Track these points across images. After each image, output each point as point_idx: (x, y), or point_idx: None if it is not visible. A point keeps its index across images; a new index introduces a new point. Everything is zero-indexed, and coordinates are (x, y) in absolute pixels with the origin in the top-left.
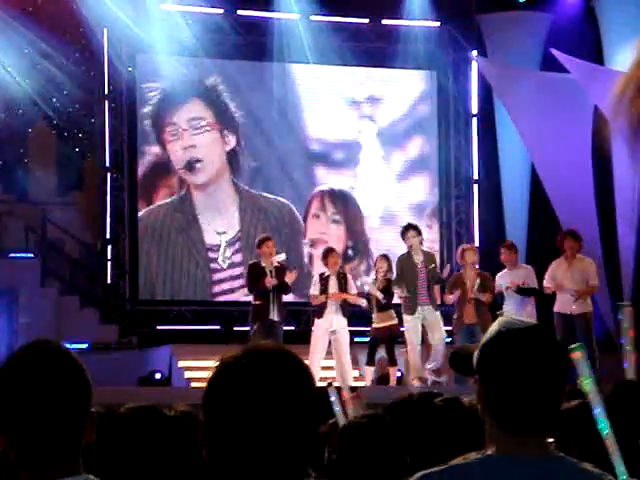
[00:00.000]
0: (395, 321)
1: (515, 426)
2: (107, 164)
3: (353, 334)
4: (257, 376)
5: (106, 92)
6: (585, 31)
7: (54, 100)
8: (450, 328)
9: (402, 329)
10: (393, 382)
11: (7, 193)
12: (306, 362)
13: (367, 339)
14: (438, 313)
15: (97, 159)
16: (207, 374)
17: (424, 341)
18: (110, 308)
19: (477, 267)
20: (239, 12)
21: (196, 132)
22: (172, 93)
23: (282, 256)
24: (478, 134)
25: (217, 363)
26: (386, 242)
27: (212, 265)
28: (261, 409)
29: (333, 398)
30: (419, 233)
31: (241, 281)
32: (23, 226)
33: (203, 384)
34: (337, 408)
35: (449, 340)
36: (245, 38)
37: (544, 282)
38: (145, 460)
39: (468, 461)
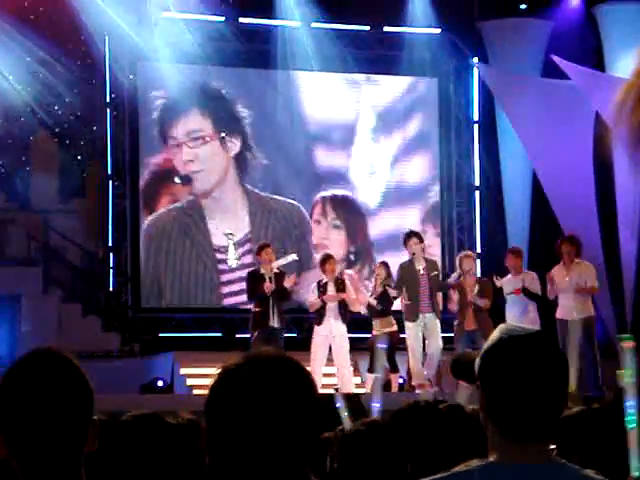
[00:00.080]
0: (395, 328)
1: (517, 433)
2: (109, 172)
3: (353, 341)
4: (259, 383)
5: (107, 100)
6: (586, 38)
7: (56, 108)
8: (450, 335)
9: (402, 336)
10: (395, 388)
11: (9, 201)
12: (308, 369)
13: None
14: (438, 322)
15: (99, 167)
16: (209, 381)
17: (424, 348)
18: (112, 316)
19: (476, 273)
20: (240, 20)
21: (194, 145)
22: (175, 101)
23: (293, 256)
24: (479, 141)
25: (219, 370)
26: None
27: (220, 267)
28: (263, 416)
29: (339, 404)
30: (421, 240)
31: None
32: (25, 234)
33: (205, 391)
34: (344, 414)
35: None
36: (246, 46)
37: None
38: (147, 468)
39: (470, 468)
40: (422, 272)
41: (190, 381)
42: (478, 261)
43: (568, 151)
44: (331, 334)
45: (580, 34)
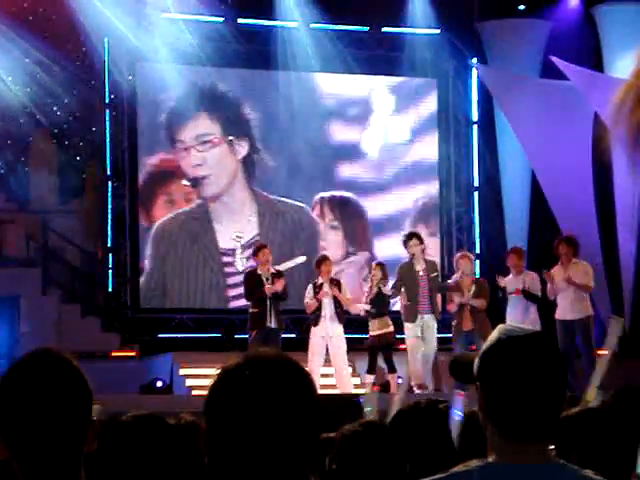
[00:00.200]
0: (391, 328)
1: (516, 433)
2: (108, 172)
3: (351, 341)
4: (259, 383)
5: (107, 101)
6: (585, 38)
7: (55, 108)
8: (449, 335)
9: (400, 336)
10: (394, 389)
11: (8, 202)
12: (307, 369)
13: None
14: (435, 323)
15: (98, 167)
16: (208, 382)
17: None
18: (111, 316)
19: (475, 273)
20: (239, 20)
21: (203, 149)
22: (182, 104)
23: (302, 259)
24: (478, 141)
25: (218, 371)
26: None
27: (227, 269)
28: (263, 416)
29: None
30: (421, 242)
31: None
32: (24, 234)
33: (204, 392)
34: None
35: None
36: (245, 46)
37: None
38: (146, 468)
39: (469, 468)
40: (422, 273)
41: (189, 382)
42: (477, 261)
43: (567, 151)
44: (327, 335)
45: (579, 35)
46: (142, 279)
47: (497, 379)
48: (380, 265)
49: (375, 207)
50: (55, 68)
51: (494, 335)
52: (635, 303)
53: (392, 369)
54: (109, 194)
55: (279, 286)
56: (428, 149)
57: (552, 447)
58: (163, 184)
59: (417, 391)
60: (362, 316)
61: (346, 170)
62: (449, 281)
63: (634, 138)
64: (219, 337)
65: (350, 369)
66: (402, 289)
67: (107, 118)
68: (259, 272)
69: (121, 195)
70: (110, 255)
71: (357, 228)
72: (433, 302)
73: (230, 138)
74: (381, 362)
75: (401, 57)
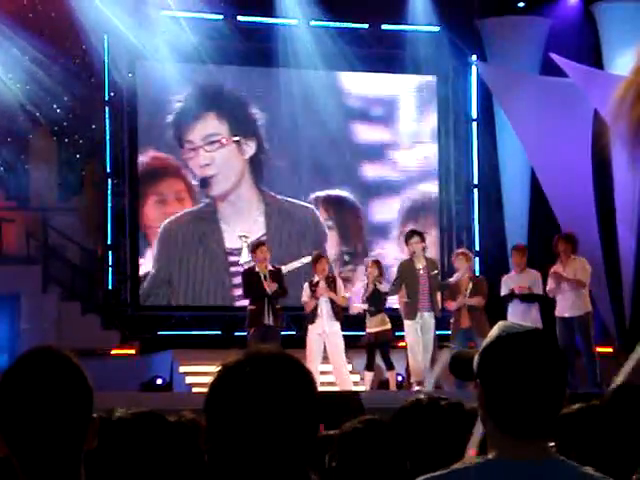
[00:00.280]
0: (388, 326)
1: (516, 430)
2: (108, 170)
3: (348, 339)
4: (259, 380)
5: (106, 98)
6: (584, 35)
7: (54, 106)
8: (448, 333)
9: (398, 334)
10: (393, 386)
11: (8, 199)
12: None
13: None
14: (434, 321)
15: (98, 165)
16: (208, 379)
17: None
18: (111, 314)
19: (474, 271)
20: (239, 18)
21: (211, 149)
22: (184, 102)
23: (308, 259)
24: (478, 139)
25: (219, 368)
26: None
27: (233, 269)
28: (263, 413)
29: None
30: (422, 240)
31: None
32: (24, 232)
33: (204, 389)
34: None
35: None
36: (245, 44)
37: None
38: (146, 466)
39: (469, 465)
40: (422, 271)
41: (189, 379)
42: (477, 259)
43: (566, 149)
44: (324, 332)
45: (578, 32)
46: (147, 278)
47: (497, 376)
48: (376, 262)
49: (375, 205)
50: (55, 66)
51: (494, 332)
52: (635, 298)
53: (390, 366)
54: (109, 192)
55: (275, 285)
56: (428, 147)
57: (552, 444)
58: (164, 181)
59: (416, 388)
60: (359, 314)
61: (347, 168)
62: (450, 279)
63: (634, 135)
64: (219, 334)
65: (350, 366)
66: (402, 286)
67: (107, 116)
68: (257, 270)
69: (121, 193)
70: (110, 253)
71: (352, 227)
72: (433, 300)
73: (237, 138)
74: (379, 360)
75: (401, 55)
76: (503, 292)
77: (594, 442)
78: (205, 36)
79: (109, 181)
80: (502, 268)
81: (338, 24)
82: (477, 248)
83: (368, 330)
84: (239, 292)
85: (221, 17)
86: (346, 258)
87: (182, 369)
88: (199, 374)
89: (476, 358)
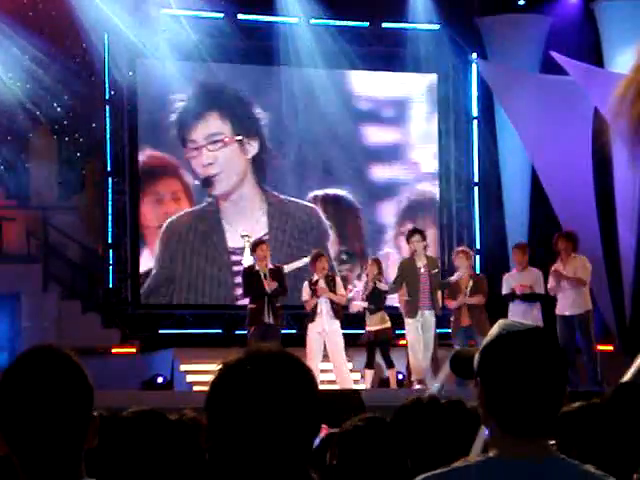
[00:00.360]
0: (388, 324)
1: (517, 428)
2: (108, 168)
3: (348, 337)
4: (260, 379)
5: (107, 97)
6: (585, 33)
7: (55, 105)
8: (448, 331)
9: (399, 332)
10: (394, 384)
11: (8, 198)
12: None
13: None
14: (434, 319)
15: (98, 163)
16: (209, 378)
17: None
18: (112, 312)
19: (471, 270)
20: (239, 16)
21: (214, 148)
22: (187, 101)
23: (298, 264)
24: (479, 137)
25: (220, 366)
26: None
27: (236, 268)
28: (264, 412)
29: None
30: (424, 238)
31: None
32: (24, 231)
33: (205, 388)
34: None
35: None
36: (245, 42)
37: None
38: (147, 464)
39: (470, 463)
40: (423, 269)
41: (190, 377)
42: (477, 257)
43: (567, 146)
44: (324, 331)
45: (579, 30)
46: (150, 277)
47: (497, 374)
48: (375, 261)
49: (376, 204)
50: (55, 64)
51: (494, 330)
52: (635, 296)
53: (390, 364)
54: (109, 190)
55: (275, 283)
56: (428, 145)
57: (553, 442)
58: (165, 179)
59: (417, 386)
60: (359, 312)
61: (347, 167)
62: (451, 278)
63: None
64: (220, 333)
65: (350, 364)
66: (403, 285)
67: (107, 114)
68: (257, 268)
69: (121, 191)
70: (110, 251)
71: (350, 227)
72: (433, 298)
73: (239, 137)
74: (379, 358)
75: (401, 53)
76: (504, 291)
77: (595, 440)
78: (205, 34)
79: (109, 180)
80: (502, 266)
81: (338, 22)
82: (478, 246)
83: (368, 328)
84: (241, 291)
85: (221, 15)
86: (344, 257)
87: (183, 367)
88: (200, 372)
89: (476, 356)
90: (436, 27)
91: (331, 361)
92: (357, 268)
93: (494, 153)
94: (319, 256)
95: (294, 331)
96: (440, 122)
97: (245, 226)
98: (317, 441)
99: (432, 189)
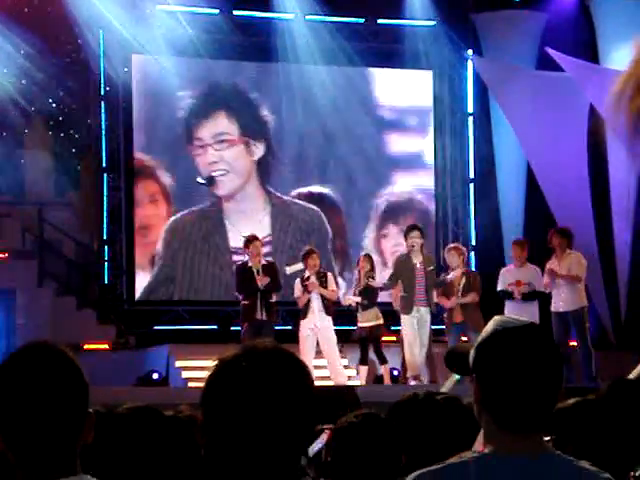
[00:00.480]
0: (381, 321)
1: (512, 424)
2: (103, 164)
3: (341, 333)
4: (256, 375)
5: (102, 93)
6: (580, 30)
7: (50, 101)
8: (442, 327)
9: (394, 328)
10: (388, 380)
11: (3, 194)
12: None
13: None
14: (429, 316)
15: (93, 160)
16: (204, 374)
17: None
18: (107, 308)
19: (464, 266)
20: (235, 12)
21: (220, 148)
22: (192, 99)
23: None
24: (474, 133)
25: (215, 362)
26: None
27: None
28: (259, 408)
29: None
30: (422, 235)
31: None
32: (20, 227)
33: (200, 384)
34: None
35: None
36: (241, 38)
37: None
38: (143, 460)
39: (464, 459)
40: (419, 266)
41: (185, 373)
42: (472, 253)
43: (562, 143)
44: (316, 327)
45: (574, 26)
46: (151, 274)
47: (493, 370)
48: (367, 257)
49: (369, 198)
50: (50, 60)
51: (490, 327)
52: (630, 294)
53: (383, 360)
54: (105, 186)
55: (267, 279)
56: (423, 141)
57: (548, 438)
58: (142, 179)
59: (412, 382)
60: (351, 308)
61: (345, 163)
62: (447, 277)
63: (633, 127)
64: (215, 329)
65: (345, 361)
66: (398, 281)
67: (102, 110)
68: (250, 265)
69: (117, 187)
70: (106, 247)
71: (332, 224)
72: (429, 295)
73: (246, 139)
74: (372, 354)
75: (397, 49)
76: (500, 286)
77: (590, 436)
78: (201, 30)
79: (105, 176)
80: (498, 262)
81: (334, 18)
82: (473, 242)
83: (360, 324)
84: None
85: (217, 11)
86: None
87: (178, 364)
88: (195, 369)
89: (472, 353)
90: (432, 23)
91: (325, 357)
92: (339, 263)
93: (489, 149)
94: (311, 252)
95: (289, 327)
96: (436, 118)
97: (248, 226)
98: (321, 446)
99: (426, 185)
